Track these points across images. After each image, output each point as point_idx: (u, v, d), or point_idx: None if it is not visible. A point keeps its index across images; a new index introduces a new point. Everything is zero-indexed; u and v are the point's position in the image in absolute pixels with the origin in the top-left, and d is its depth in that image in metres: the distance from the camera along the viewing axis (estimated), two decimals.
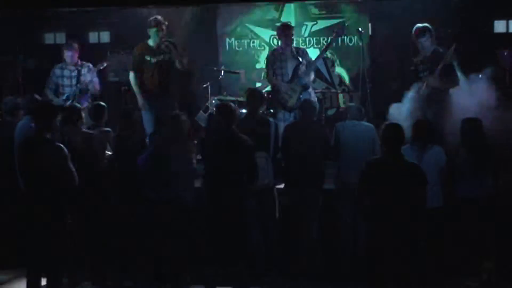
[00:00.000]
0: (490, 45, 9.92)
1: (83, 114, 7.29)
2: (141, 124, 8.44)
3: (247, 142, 6.48)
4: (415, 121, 7.05)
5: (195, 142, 7.25)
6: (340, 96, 10.44)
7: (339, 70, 10.61)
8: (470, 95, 7.68)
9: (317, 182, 7.36)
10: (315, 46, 10.50)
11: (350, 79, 10.51)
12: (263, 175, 6.95)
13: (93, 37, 11.15)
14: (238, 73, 10.29)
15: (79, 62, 8.93)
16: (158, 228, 6.70)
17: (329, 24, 10.44)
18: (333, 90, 10.49)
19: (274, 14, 10.66)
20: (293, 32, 8.86)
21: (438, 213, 6.75)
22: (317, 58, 8.94)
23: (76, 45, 9.00)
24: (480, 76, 7.94)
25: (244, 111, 8.14)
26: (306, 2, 10.43)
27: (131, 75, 8.69)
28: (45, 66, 9.65)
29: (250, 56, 10.78)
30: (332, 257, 7.41)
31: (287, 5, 10.55)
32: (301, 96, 8.46)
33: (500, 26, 10.31)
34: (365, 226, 6.44)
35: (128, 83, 8.95)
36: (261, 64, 10.32)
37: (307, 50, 9.25)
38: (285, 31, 8.76)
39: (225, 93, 9.81)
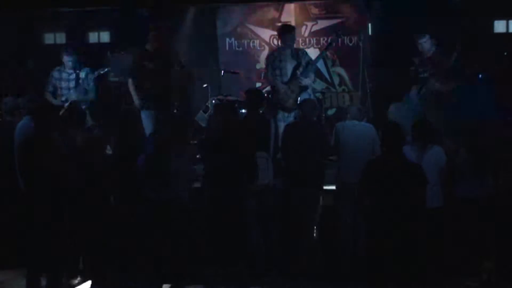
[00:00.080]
0: (490, 45, 9.92)
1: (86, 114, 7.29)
2: (141, 124, 8.43)
3: (248, 142, 6.48)
4: (415, 121, 7.05)
5: (195, 142, 7.26)
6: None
7: (339, 70, 10.61)
8: (470, 96, 7.69)
9: (317, 182, 7.36)
10: (315, 46, 10.49)
11: (350, 79, 10.52)
12: (263, 175, 6.95)
13: (93, 37, 11.15)
14: (238, 73, 10.29)
15: (78, 66, 8.92)
16: (158, 228, 6.70)
17: (329, 24, 10.44)
18: (333, 90, 10.49)
19: (274, 14, 10.67)
20: (294, 33, 8.82)
21: (438, 213, 6.74)
22: (317, 58, 8.93)
23: (75, 51, 8.96)
24: (480, 76, 7.94)
25: (244, 111, 8.13)
26: (306, 2, 10.43)
27: (130, 81, 8.70)
28: (45, 66, 9.64)
29: (250, 56, 10.78)
30: (332, 257, 7.39)
31: (287, 5, 10.55)
32: (299, 96, 8.46)
33: (500, 26, 10.31)
34: (365, 226, 6.44)
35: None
36: (261, 64, 10.30)
37: (307, 50, 9.24)
38: (285, 31, 8.75)
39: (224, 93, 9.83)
